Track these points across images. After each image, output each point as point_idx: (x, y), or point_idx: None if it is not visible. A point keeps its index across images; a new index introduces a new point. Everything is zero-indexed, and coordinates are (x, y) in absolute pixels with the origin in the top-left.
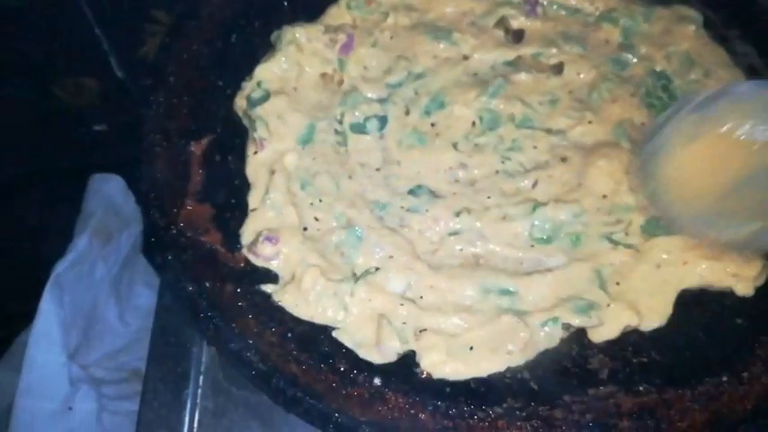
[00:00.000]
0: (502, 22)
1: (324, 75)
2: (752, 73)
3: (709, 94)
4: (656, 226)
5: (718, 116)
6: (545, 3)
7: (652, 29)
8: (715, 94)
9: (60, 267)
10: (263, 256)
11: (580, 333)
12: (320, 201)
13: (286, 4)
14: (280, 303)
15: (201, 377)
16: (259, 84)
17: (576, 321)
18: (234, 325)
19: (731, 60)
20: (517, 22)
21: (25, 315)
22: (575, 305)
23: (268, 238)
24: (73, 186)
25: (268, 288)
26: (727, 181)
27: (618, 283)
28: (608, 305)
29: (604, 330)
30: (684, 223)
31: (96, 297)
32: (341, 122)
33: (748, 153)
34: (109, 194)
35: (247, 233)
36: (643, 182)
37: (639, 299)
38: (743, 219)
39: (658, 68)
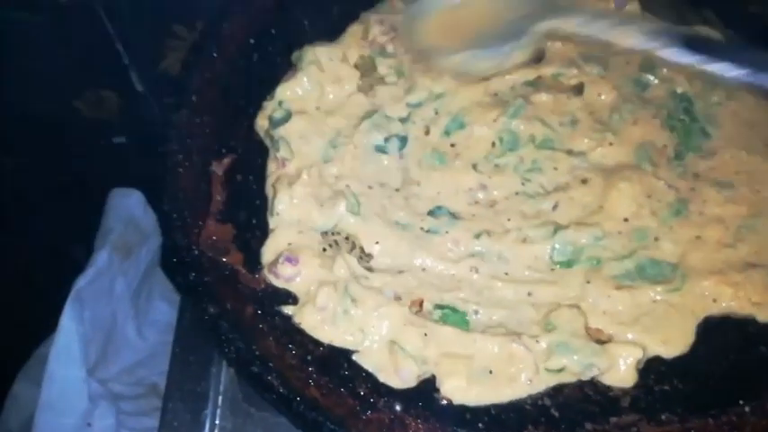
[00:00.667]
0: None
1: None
2: None
3: None
4: None
5: None
6: None
7: None
8: None
9: (81, 283)
10: (284, 277)
11: None
12: None
13: (306, 23)
14: (300, 326)
15: (220, 397)
16: (280, 103)
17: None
18: (255, 347)
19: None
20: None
21: (44, 327)
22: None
23: (288, 259)
24: (93, 199)
25: (288, 310)
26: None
27: None
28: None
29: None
30: (435, 60)
31: (115, 312)
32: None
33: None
34: (128, 209)
35: (267, 253)
36: (405, 33)
37: (662, 326)
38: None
39: (680, 90)
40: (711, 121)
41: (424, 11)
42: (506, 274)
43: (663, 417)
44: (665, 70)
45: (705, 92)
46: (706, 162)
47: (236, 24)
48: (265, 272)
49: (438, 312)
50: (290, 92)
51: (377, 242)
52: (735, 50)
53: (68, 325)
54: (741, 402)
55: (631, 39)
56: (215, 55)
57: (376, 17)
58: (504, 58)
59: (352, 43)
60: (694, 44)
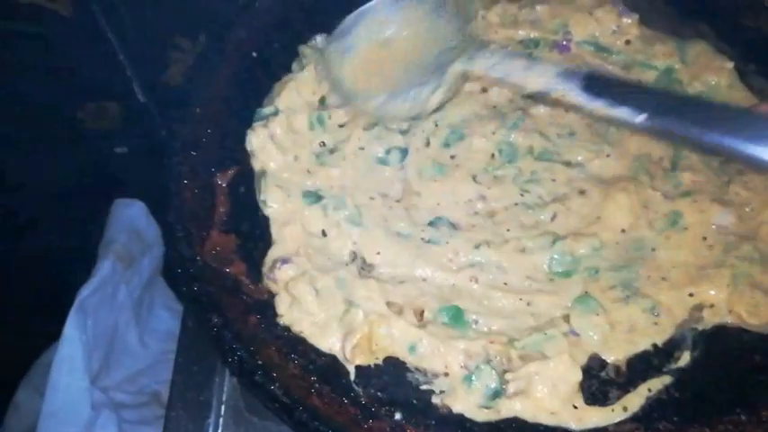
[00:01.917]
0: None
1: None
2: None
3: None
4: None
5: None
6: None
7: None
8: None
9: (85, 292)
10: (282, 281)
11: (598, 367)
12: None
13: (310, 36)
14: (301, 334)
15: (223, 406)
16: (276, 112)
17: None
18: (257, 357)
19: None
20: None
21: (47, 335)
22: None
23: (283, 261)
24: (95, 208)
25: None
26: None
27: None
28: None
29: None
30: (355, 101)
31: (118, 320)
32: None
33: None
34: (131, 219)
35: (268, 263)
36: (327, 68)
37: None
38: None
39: None
40: None
41: (349, 48)
42: (505, 284)
43: (660, 426)
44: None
45: None
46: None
47: (239, 38)
48: (265, 280)
49: (443, 315)
50: (289, 100)
51: (378, 252)
52: (636, 93)
53: (72, 334)
54: (737, 411)
55: (539, 82)
56: (219, 68)
57: None
58: (423, 102)
59: None
60: (595, 88)
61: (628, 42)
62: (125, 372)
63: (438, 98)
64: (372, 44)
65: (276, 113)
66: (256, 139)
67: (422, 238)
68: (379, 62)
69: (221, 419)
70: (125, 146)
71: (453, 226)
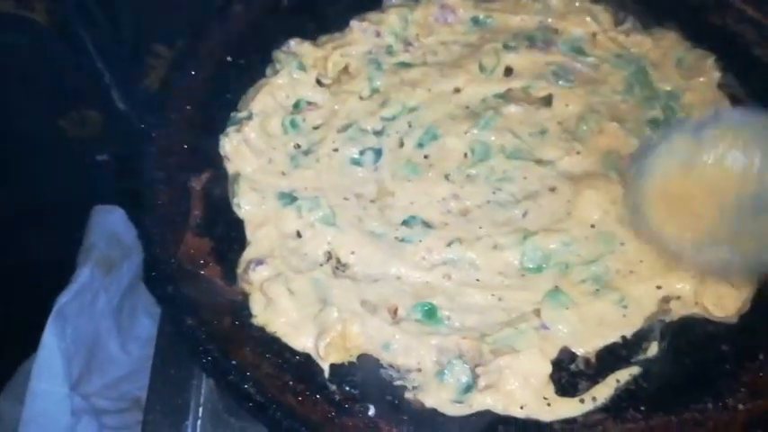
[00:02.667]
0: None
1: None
2: (736, 103)
3: (702, 120)
4: None
5: (709, 142)
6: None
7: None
8: (707, 120)
9: (63, 299)
10: (256, 282)
11: (568, 360)
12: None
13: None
14: (275, 334)
15: (201, 408)
16: (250, 116)
17: None
18: (231, 357)
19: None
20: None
21: (28, 344)
22: None
23: (257, 263)
24: (76, 216)
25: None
26: (714, 207)
27: None
28: None
29: None
30: (669, 247)
31: (98, 327)
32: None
33: (735, 180)
34: (111, 226)
35: (242, 264)
36: (630, 204)
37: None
38: (725, 243)
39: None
40: None
41: (648, 171)
42: (478, 280)
43: (628, 415)
44: (635, 88)
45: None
46: None
47: (213, 42)
48: (240, 281)
49: (417, 312)
50: (262, 104)
51: (352, 252)
52: None
53: (50, 341)
54: (704, 399)
55: None
56: (193, 73)
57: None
58: None
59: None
60: None
61: (598, 42)
62: (107, 378)
63: None
64: (676, 170)
65: (250, 117)
66: (230, 144)
67: (396, 237)
68: (686, 194)
69: (199, 422)
70: (106, 154)
71: (427, 224)
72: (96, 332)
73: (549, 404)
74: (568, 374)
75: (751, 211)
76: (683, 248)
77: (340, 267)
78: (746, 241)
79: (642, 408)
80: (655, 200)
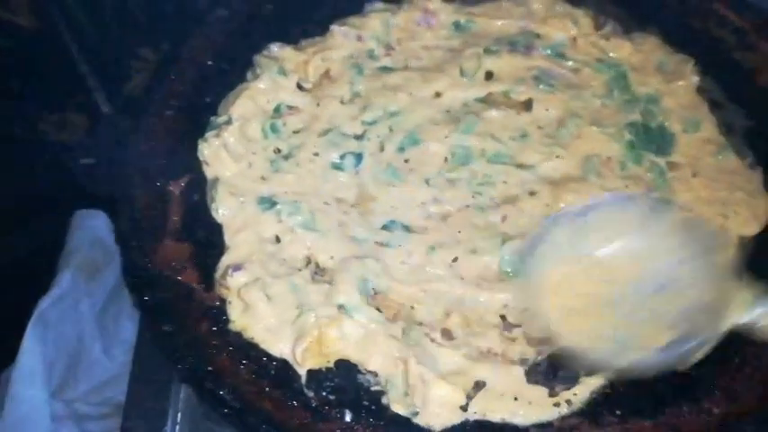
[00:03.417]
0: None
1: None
2: (715, 107)
3: (582, 207)
4: None
5: (592, 229)
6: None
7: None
8: (586, 208)
9: (44, 304)
10: (234, 288)
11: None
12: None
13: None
14: (252, 340)
15: (180, 414)
16: (230, 120)
17: None
18: (208, 363)
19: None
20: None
21: (9, 351)
22: None
23: (235, 268)
24: (60, 221)
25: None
26: (608, 295)
27: None
28: None
29: None
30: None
31: (81, 332)
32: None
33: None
34: (93, 230)
35: (220, 269)
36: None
37: None
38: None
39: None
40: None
41: (542, 263)
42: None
43: (604, 419)
44: (615, 92)
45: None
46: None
47: (195, 47)
48: (218, 287)
49: None
50: (243, 109)
51: (332, 257)
52: None
53: (31, 346)
54: (679, 403)
55: None
56: (173, 77)
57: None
58: (678, 359)
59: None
60: None
61: (579, 47)
62: (90, 384)
63: (700, 356)
64: (576, 261)
65: (229, 122)
66: (209, 149)
67: (375, 242)
68: (588, 286)
69: (177, 427)
70: (91, 158)
71: (407, 229)
72: (79, 337)
73: (523, 408)
74: (544, 378)
75: (644, 296)
76: (586, 350)
77: (319, 272)
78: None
79: (618, 412)
80: (547, 298)
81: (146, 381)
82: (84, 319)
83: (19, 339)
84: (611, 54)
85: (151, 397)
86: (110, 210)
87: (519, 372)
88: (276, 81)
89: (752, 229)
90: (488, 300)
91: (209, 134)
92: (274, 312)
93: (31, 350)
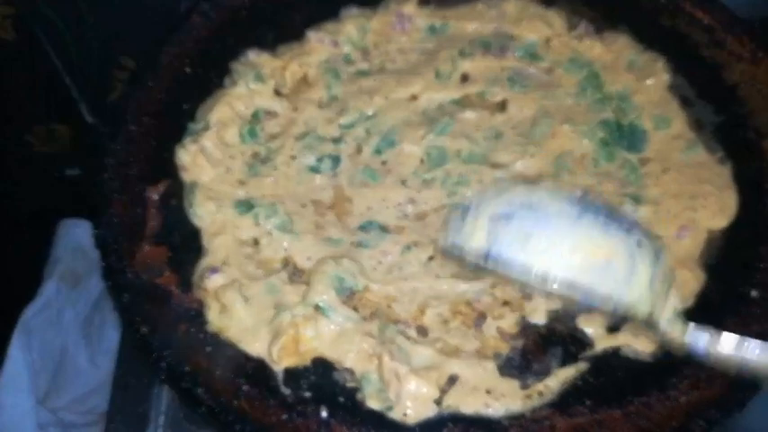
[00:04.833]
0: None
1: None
2: (686, 104)
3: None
4: None
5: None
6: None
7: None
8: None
9: (28, 313)
10: (211, 290)
11: (519, 358)
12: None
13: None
14: (230, 340)
15: (162, 417)
16: (207, 126)
17: None
18: (185, 363)
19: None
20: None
21: None
22: None
23: (212, 270)
24: (46, 231)
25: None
26: None
27: None
28: None
29: None
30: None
31: (66, 340)
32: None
33: None
34: (77, 239)
35: (198, 272)
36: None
37: None
38: None
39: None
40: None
41: None
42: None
43: (574, 410)
44: (587, 91)
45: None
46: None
47: (172, 54)
48: (195, 289)
49: None
50: (220, 113)
51: (309, 258)
52: None
53: (16, 355)
54: (647, 392)
55: None
56: (151, 84)
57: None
58: None
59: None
60: None
61: (552, 47)
62: (75, 392)
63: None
64: None
65: (207, 128)
66: (186, 155)
67: (352, 242)
68: None
69: (159, 430)
70: (76, 168)
71: (383, 229)
72: (64, 346)
73: (496, 400)
74: (517, 371)
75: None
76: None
77: (296, 273)
78: None
79: (588, 402)
80: None
81: (127, 385)
82: (69, 327)
83: (4, 348)
84: (583, 54)
85: (133, 401)
86: (95, 219)
87: (491, 366)
88: (253, 87)
89: (720, 223)
90: (464, 291)
91: (186, 140)
92: (251, 313)
93: (15, 358)
